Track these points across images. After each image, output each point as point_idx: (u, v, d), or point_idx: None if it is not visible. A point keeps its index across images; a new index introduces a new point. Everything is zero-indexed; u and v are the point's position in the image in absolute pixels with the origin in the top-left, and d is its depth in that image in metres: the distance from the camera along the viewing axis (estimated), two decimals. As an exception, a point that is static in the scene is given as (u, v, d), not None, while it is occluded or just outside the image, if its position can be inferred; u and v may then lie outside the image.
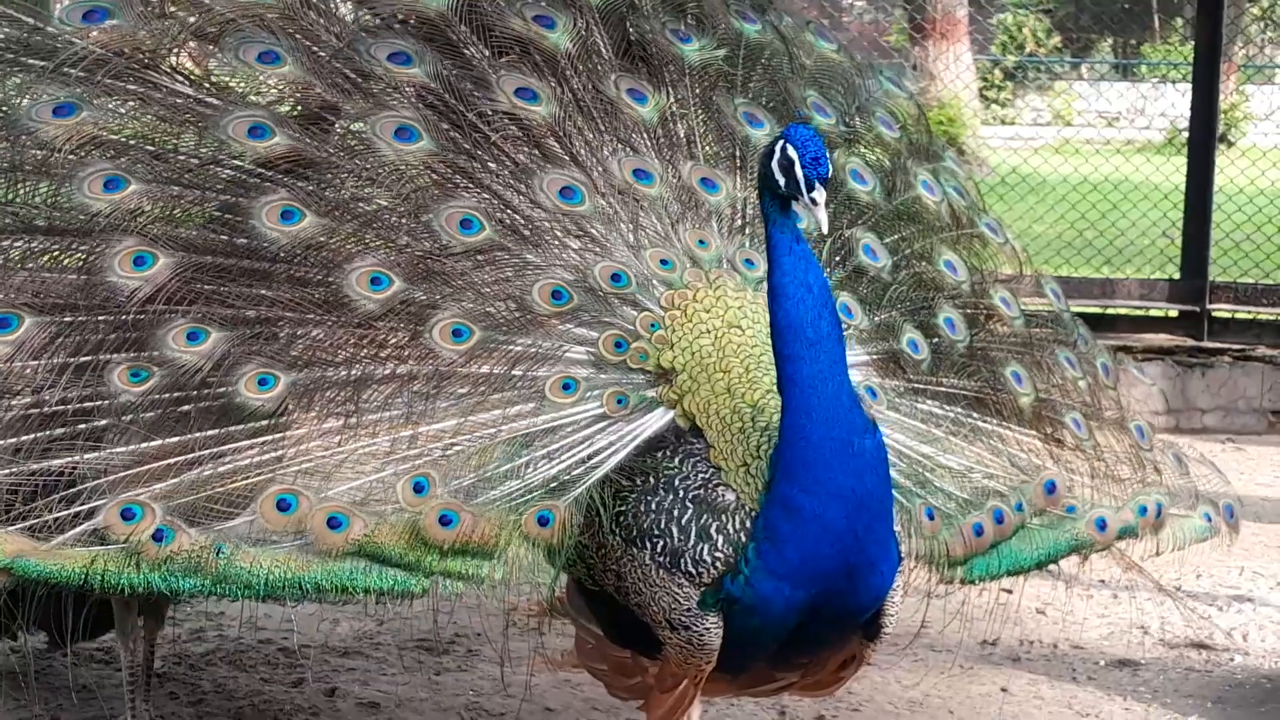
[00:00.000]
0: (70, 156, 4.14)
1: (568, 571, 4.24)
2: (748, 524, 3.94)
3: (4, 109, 4.24)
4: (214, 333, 4.06)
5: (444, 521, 3.99)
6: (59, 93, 4.18)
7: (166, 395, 4.03)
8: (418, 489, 4.02)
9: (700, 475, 4.03)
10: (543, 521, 4.04)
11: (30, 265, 4.16)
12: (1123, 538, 4.72)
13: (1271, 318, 10.49)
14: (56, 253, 4.19)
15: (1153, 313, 10.70)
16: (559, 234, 4.32)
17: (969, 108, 19.25)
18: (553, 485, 4.07)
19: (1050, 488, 4.56)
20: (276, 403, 4.04)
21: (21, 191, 4.20)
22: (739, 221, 4.56)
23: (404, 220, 4.24)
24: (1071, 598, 6.40)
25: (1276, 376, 10.11)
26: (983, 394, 4.61)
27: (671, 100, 4.60)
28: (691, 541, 3.96)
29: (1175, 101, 17.95)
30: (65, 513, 3.94)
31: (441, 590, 4.01)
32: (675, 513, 3.99)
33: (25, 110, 4.17)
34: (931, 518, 4.28)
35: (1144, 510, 4.74)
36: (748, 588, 3.92)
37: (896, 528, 4.05)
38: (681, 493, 4.01)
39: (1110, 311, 10.55)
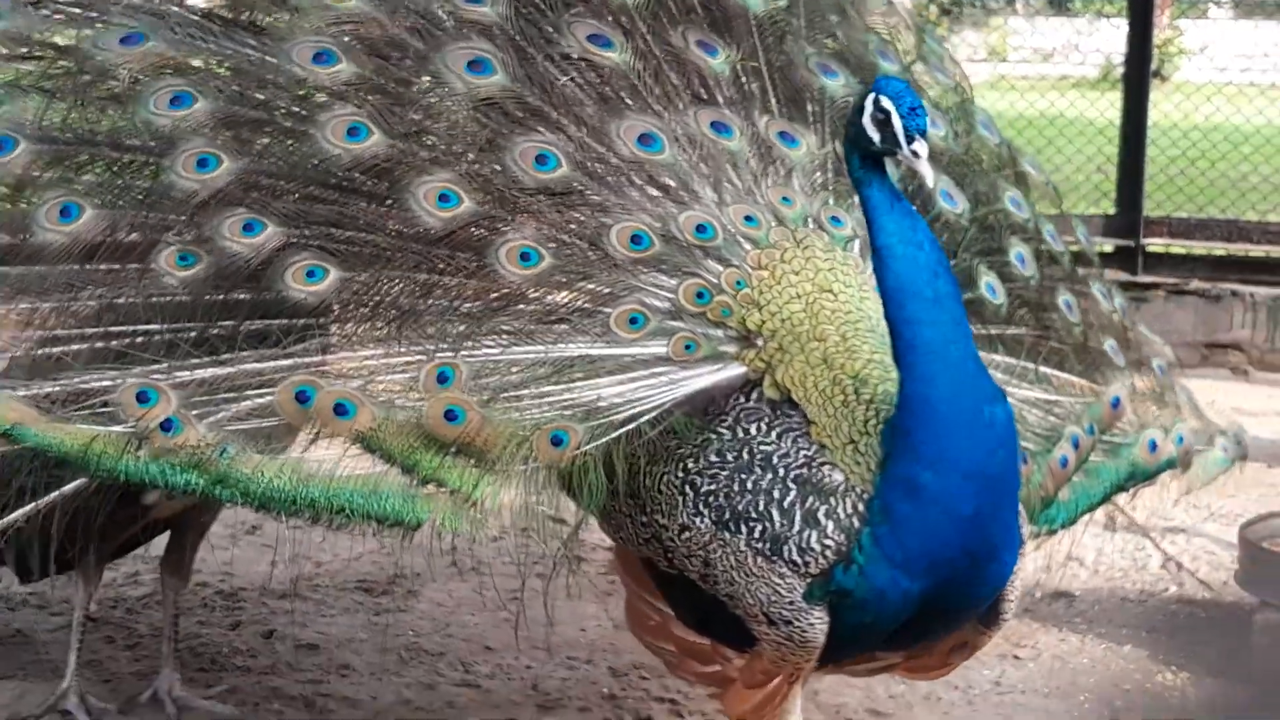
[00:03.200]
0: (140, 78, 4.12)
1: (638, 551, 4.02)
2: (860, 508, 3.64)
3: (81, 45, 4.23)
4: (271, 226, 3.94)
5: (449, 416, 3.78)
6: (131, 23, 4.18)
7: (210, 284, 3.94)
8: (441, 379, 3.83)
9: (802, 453, 3.73)
10: (556, 441, 3.78)
11: (97, 169, 4.16)
12: (1164, 470, 4.57)
13: (1205, 252, 10.58)
14: (124, 162, 4.16)
15: (1088, 247, 10.74)
16: (639, 181, 4.11)
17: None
18: (584, 410, 3.83)
19: (1116, 403, 4.41)
20: (320, 299, 3.92)
21: (91, 111, 4.18)
22: (821, 177, 4.33)
23: (476, 151, 4.09)
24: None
25: (1210, 310, 10.20)
26: (1043, 335, 4.47)
27: (741, 53, 4.40)
28: (796, 527, 3.66)
29: (1110, 36, 17.98)
30: (83, 382, 3.85)
31: (439, 522, 3.77)
32: (776, 494, 3.70)
33: (92, 39, 4.19)
34: (1024, 461, 4.04)
35: (1181, 439, 4.59)
36: (861, 578, 3.62)
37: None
38: (782, 471, 3.72)
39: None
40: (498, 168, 4.05)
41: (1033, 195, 4.83)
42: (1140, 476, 4.50)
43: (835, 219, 4.24)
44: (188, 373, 3.84)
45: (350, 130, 4.03)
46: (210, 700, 5.10)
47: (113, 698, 5.10)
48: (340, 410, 3.78)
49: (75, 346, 3.95)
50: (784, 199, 4.20)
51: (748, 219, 4.11)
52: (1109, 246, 10.68)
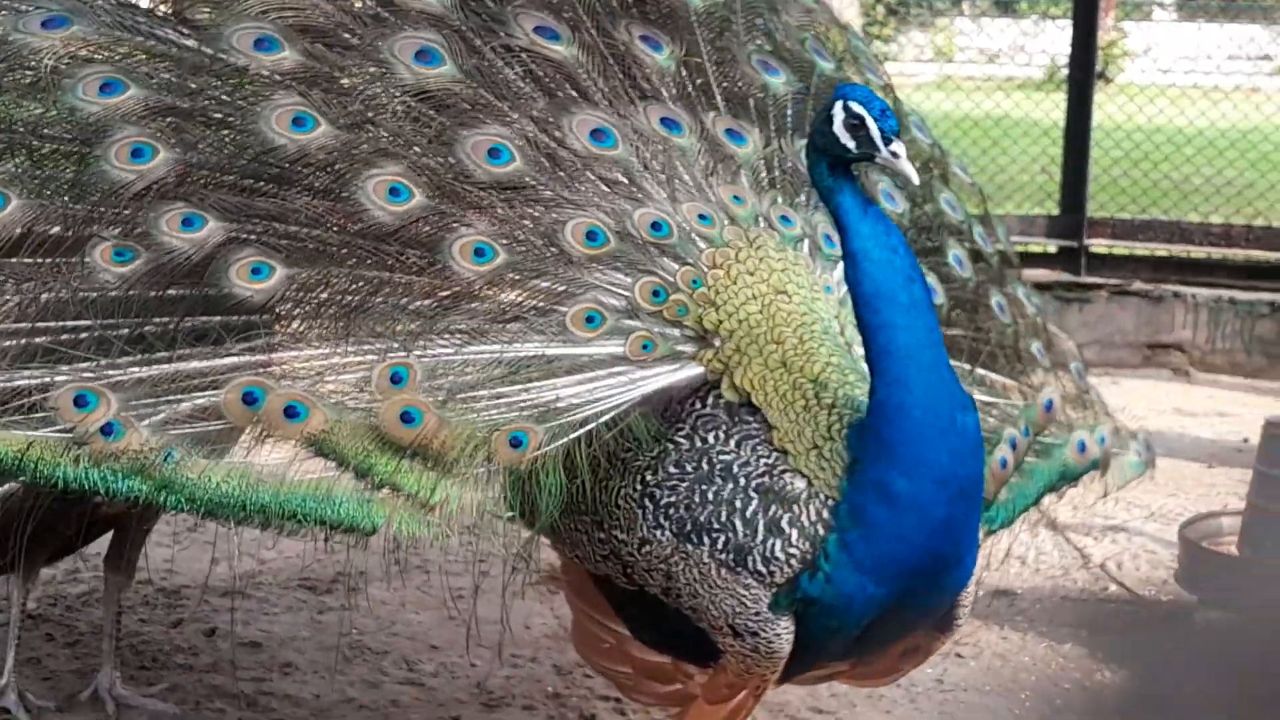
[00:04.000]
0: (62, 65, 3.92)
1: (596, 569, 3.93)
2: (824, 514, 3.62)
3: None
4: (212, 221, 3.77)
5: (405, 419, 3.68)
6: (53, 6, 4.00)
7: (148, 281, 3.75)
8: (395, 379, 3.72)
9: (763, 461, 3.69)
10: (515, 443, 3.70)
11: (18, 158, 3.93)
12: (1090, 470, 4.59)
13: (1147, 253, 10.66)
14: (46, 151, 3.94)
15: (1032, 248, 10.82)
16: (592, 177, 4.03)
17: (852, 43, 19.25)
18: (541, 411, 3.75)
19: (1049, 405, 4.42)
20: (268, 296, 3.76)
21: (8, 97, 3.96)
22: (767, 175, 4.27)
23: (425, 144, 3.96)
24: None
25: (1152, 311, 10.28)
26: (978, 337, 4.49)
27: (684, 48, 4.32)
28: (760, 536, 3.62)
29: (1055, 38, 18.10)
30: (12, 381, 3.66)
31: (395, 529, 3.66)
32: (738, 504, 3.66)
33: (10, 23, 4.00)
34: None
35: (1103, 440, 4.62)
36: (828, 585, 3.61)
37: None
38: (743, 480, 3.68)
39: (991, 246, 10.65)
40: (449, 161, 3.95)
41: (961, 195, 4.84)
42: (1069, 477, 4.52)
43: (785, 218, 4.19)
44: (125, 373, 3.70)
45: (295, 120, 3.91)
46: (151, 698, 5.07)
47: (52, 695, 5.06)
48: (291, 413, 3.67)
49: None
50: (735, 197, 4.14)
51: (701, 217, 4.05)
52: (1053, 247, 10.76)
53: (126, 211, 3.81)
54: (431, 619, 5.78)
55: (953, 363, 4.24)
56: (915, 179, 3.69)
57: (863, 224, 3.66)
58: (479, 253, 3.87)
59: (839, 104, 3.65)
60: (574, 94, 4.15)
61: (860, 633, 3.72)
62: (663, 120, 4.19)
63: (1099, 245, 10.67)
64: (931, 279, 4.40)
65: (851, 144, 3.64)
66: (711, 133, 4.25)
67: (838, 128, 3.65)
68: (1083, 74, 10.85)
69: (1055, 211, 10.93)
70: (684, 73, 4.34)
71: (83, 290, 3.76)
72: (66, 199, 3.85)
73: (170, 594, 5.94)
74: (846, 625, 3.68)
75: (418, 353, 3.77)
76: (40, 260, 3.82)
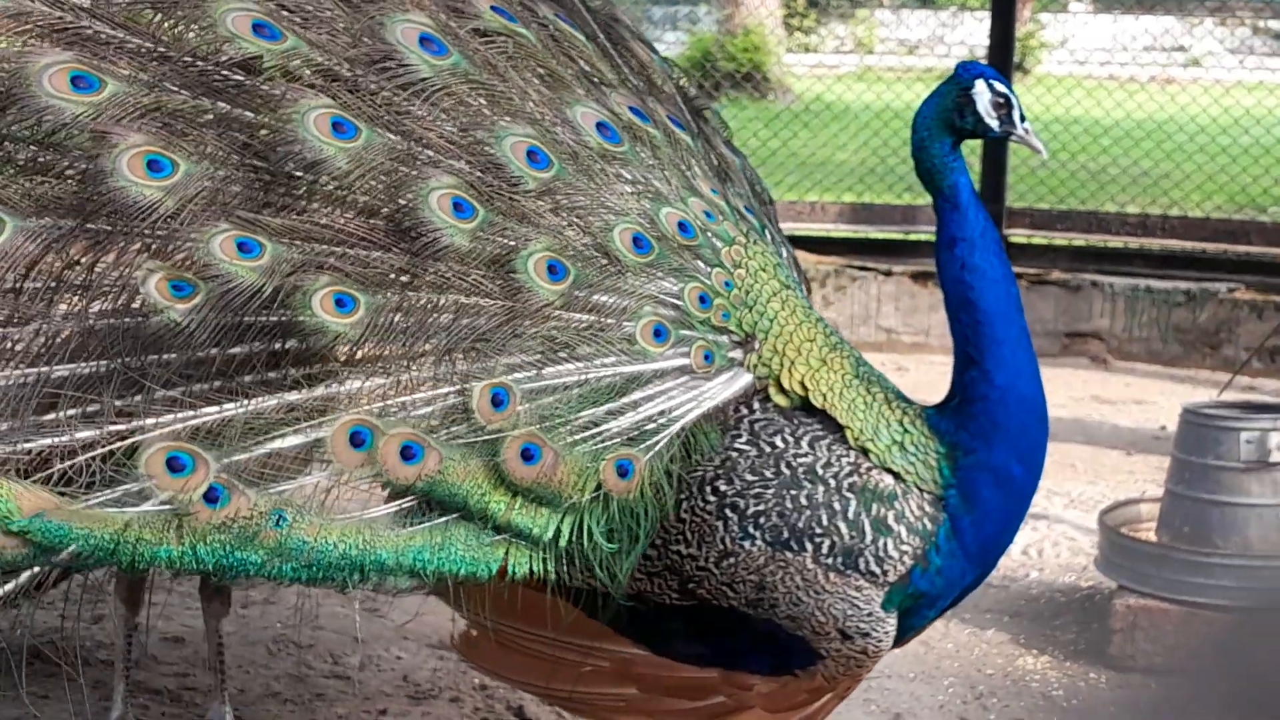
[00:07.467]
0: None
1: (628, 588, 3.66)
2: (927, 507, 3.59)
3: None
4: (269, 246, 3.36)
5: (526, 456, 3.45)
6: None
7: (214, 317, 3.31)
8: (496, 402, 3.46)
9: (845, 461, 3.60)
10: (622, 472, 3.53)
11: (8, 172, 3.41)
12: None
13: (1065, 242, 10.75)
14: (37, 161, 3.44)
15: (953, 238, 10.87)
16: (612, 174, 3.76)
17: (773, 35, 19.34)
18: (635, 434, 3.57)
19: None
20: (360, 329, 3.39)
21: None
22: (711, 164, 4.06)
23: (459, 150, 3.60)
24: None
25: (1070, 300, 10.37)
26: None
27: (585, 22, 4.04)
28: (869, 536, 3.54)
29: (974, 30, 18.23)
30: (90, 454, 3.21)
31: (511, 571, 3.47)
32: (836, 506, 3.55)
33: None
34: None
35: None
36: (938, 576, 3.60)
37: None
38: (833, 482, 3.57)
39: (912, 237, 10.73)
40: (494, 169, 3.62)
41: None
42: None
43: (749, 208, 4.03)
44: (209, 420, 3.29)
45: (335, 126, 3.49)
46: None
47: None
48: (408, 454, 3.38)
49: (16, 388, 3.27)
50: (713, 190, 3.93)
51: (706, 214, 3.84)
52: (973, 237, 10.81)
53: (165, 236, 3.36)
54: (355, 611, 5.75)
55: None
56: (1045, 153, 3.84)
57: (981, 211, 3.70)
58: (553, 270, 3.60)
59: (980, 83, 3.71)
60: (561, 82, 3.85)
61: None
62: (633, 109, 3.93)
63: (1018, 235, 10.76)
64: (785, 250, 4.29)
65: (995, 123, 3.73)
66: (662, 121, 4.00)
67: (984, 107, 3.71)
68: (1001, 65, 10.92)
69: (975, 202, 10.99)
70: (601, 48, 4.05)
71: (139, 333, 3.32)
72: (76, 221, 3.35)
73: (90, 589, 5.84)
74: (933, 614, 3.71)
75: (509, 377, 3.51)
76: (48, 288, 3.37)
